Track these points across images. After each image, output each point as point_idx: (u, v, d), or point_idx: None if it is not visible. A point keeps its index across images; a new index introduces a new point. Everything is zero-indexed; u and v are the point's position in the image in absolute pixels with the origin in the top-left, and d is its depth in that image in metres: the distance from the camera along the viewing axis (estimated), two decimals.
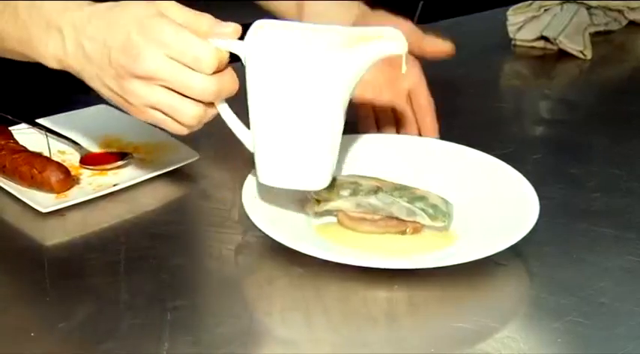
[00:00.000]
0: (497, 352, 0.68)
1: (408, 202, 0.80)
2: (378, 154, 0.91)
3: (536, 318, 0.72)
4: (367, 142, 0.92)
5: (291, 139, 0.73)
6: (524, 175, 0.86)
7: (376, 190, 0.81)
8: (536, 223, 0.78)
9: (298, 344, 0.69)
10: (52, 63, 0.77)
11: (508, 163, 0.97)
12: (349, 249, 0.78)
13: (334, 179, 0.80)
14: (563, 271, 0.78)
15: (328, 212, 0.82)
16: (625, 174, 0.96)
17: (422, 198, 0.81)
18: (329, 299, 0.74)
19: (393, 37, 0.71)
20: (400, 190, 0.82)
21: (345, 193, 0.80)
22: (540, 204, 0.81)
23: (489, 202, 0.84)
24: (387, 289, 0.74)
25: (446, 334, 0.71)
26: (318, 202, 0.80)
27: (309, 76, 0.70)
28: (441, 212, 0.81)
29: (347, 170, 0.88)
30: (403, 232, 0.81)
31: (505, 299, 0.75)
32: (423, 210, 0.80)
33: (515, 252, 0.80)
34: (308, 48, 0.71)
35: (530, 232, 0.78)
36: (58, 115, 1.02)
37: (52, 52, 0.76)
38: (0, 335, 0.71)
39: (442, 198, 0.83)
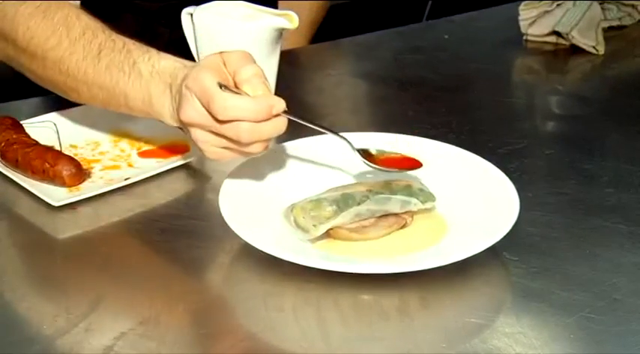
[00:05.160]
0: (509, 347, 0.68)
1: (399, 194, 0.81)
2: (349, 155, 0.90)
3: (549, 313, 0.72)
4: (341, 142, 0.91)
5: None
6: (537, 171, 0.85)
7: (367, 194, 0.81)
8: (550, 219, 0.78)
9: (310, 340, 0.69)
10: (169, 120, 0.83)
11: (520, 158, 0.97)
12: (359, 257, 0.78)
13: (321, 199, 0.80)
14: (576, 267, 0.78)
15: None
16: (638, 169, 0.96)
17: (407, 187, 0.82)
18: (340, 295, 0.74)
19: (286, 14, 1.01)
20: (385, 186, 0.82)
21: (339, 207, 0.79)
22: (553, 200, 0.80)
23: (475, 195, 0.84)
24: (398, 284, 0.74)
25: (457, 329, 0.71)
26: (315, 226, 0.78)
27: (230, 36, 1.02)
28: (427, 195, 0.82)
29: (329, 170, 0.88)
30: (404, 226, 0.81)
31: (517, 294, 0.75)
32: (414, 197, 0.81)
33: (527, 247, 0.80)
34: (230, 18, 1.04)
35: (543, 228, 0.78)
36: (69, 109, 1.02)
37: (167, 110, 0.82)
38: (12, 327, 0.71)
39: (418, 181, 0.84)
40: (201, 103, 0.76)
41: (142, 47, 0.85)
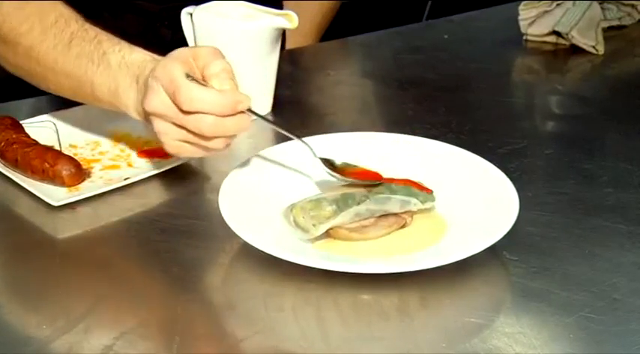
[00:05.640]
0: (508, 347, 0.68)
1: (399, 194, 0.81)
2: (353, 153, 0.89)
3: (549, 313, 0.72)
4: (342, 140, 0.92)
5: None
6: (536, 170, 0.85)
7: (367, 194, 0.81)
8: (549, 219, 0.78)
9: (310, 339, 0.69)
10: (133, 113, 0.83)
11: (520, 158, 0.97)
12: (359, 257, 0.78)
13: (320, 199, 0.80)
14: (576, 267, 0.78)
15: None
16: (638, 169, 0.96)
17: (405, 187, 0.82)
18: (340, 295, 0.74)
19: (286, 14, 1.01)
20: (384, 186, 0.82)
21: (339, 206, 0.79)
22: (553, 199, 0.80)
23: (474, 195, 0.84)
24: (398, 284, 0.74)
25: (457, 328, 0.71)
26: (315, 225, 0.78)
27: (230, 36, 1.01)
28: (426, 195, 0.82)
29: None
30: (404, 226, 0.81)
31: (517, 294, 0.75)
32: (414, 197, 0.81)
33: (527, 247, 0.79)
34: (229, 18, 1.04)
35: (543, 227, 0.78)
36: (69, 109, 1.02)
37: (132, 102, 0.82)
38: (11, 327, 0.71)
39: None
40: (167, 94, 0.75)
41: (114, 39, 0.85)
